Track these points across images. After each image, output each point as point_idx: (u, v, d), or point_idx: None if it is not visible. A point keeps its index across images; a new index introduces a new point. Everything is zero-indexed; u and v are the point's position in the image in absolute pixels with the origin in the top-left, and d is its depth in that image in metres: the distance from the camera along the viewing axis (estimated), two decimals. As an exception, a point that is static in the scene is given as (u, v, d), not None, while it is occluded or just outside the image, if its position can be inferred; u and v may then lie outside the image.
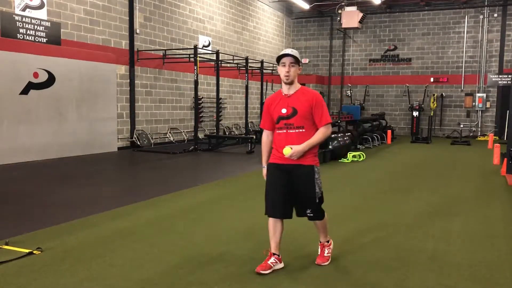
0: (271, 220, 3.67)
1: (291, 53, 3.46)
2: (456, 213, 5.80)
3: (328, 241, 3.88)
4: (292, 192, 3.60)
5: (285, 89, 3.58)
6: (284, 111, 3.53)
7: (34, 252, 3.97)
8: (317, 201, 3.60)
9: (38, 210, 5.67)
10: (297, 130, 3.52)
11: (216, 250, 4.14)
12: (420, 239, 4.62)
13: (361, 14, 17.32)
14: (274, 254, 3.65)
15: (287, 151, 3.48)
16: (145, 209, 5.75)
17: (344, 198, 6.78)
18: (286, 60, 3.48)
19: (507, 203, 6.48)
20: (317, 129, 3.56)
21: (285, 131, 3.55)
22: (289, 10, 21.93)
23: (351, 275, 3.60)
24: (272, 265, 3.60)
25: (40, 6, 10.05)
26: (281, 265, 3.68)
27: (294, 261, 3.87)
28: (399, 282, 3.49)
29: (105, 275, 3.54)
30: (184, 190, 6.96)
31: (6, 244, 4.15)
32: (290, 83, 3.53)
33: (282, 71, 3.49)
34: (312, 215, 3.61)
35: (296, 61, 3.48)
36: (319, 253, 3.85)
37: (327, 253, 3.83)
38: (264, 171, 3.74)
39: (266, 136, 3.76)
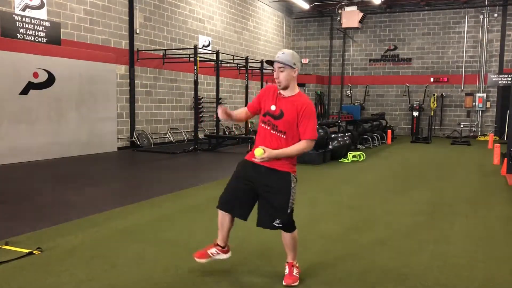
0: (220, 213, 3.52)
1: (277, 59, 3.27)
2: (456, 213, 5.80)
3: (296, 263, 3.48)
4: (259, 198, 3.36)
5: (282, 90, 3.40)
6: (273, 108, 3.33)
7: (34, 252, 3.97)
8: (289, 211, 3.30)
9: (38, 210, 5.66)
10: (278, 134, 3.29)
11: (216, 250, 4.14)
12: (420, 239, 4.62)
13: (361, 14, 17.34)
14: (217, 245, 3.56)
15: (259, 152, 3.19)
16: (145, 209, 5.75)
17: (344, 198, 6.78)
18: (274, 66, 3.30)
19: (507, 203, 6.48)
20: (299, 141, 3.31)
21: (268, 128, 3.33)
22: (289, 10, 21.92)
23: (351, 275, 3.60)
24: (211, 255, 3.54)
25: (40, 6, 10.05)
26: (225, 256, 3.58)
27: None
28: (399, 282, 3.49)
29: (105, 275, 3.54)
30: (184, 190, 6.96)
31: (6, 244, 4.15)
32: (284, 89, 3.33)
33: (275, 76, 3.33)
34: (281, 225, 3.30)
35: (286, 64, 3.25)
36: (286, 272, 3.43)
37: (296, 273, 3.43)
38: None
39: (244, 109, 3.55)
